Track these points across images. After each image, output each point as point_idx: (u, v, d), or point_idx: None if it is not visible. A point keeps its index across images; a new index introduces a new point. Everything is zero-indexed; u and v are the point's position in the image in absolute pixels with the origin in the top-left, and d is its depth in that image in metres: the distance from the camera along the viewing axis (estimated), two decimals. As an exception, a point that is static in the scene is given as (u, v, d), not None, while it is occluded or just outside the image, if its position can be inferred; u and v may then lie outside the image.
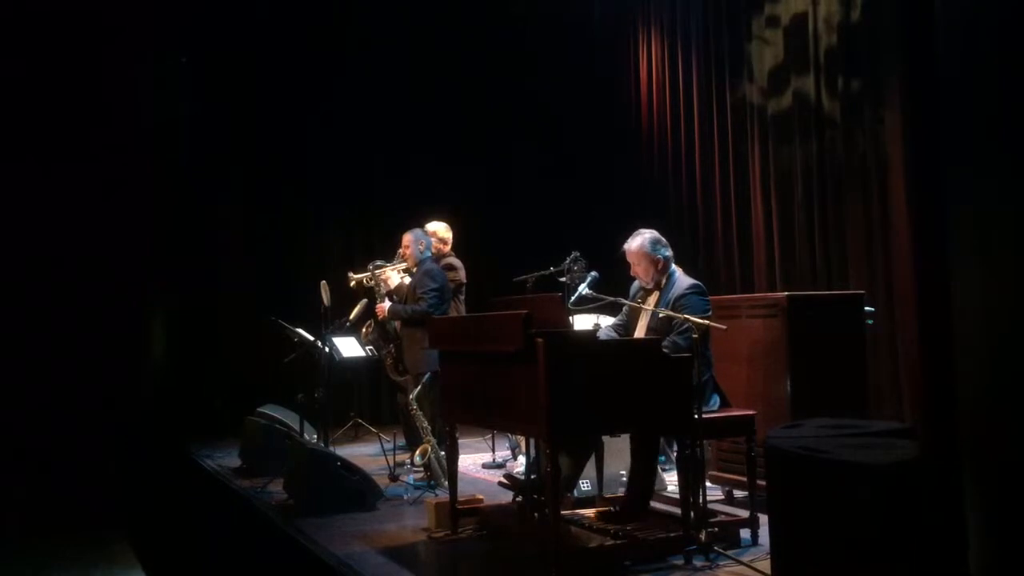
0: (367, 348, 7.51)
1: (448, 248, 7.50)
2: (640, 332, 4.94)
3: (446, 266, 7.27)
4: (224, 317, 9.54)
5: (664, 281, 4.87)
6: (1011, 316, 2.67)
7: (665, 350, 4.42)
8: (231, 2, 9.43)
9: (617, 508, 4.69)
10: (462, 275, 7.40)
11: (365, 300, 7.49)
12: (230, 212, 9.85)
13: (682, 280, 4.86)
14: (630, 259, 4.94)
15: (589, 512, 4.77)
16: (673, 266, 4.92)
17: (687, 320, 4.45)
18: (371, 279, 7.17)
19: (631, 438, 4.78)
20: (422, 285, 6.72)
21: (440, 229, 7.49)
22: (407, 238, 6.99)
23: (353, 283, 7.37)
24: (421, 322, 6.46)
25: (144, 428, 9.07)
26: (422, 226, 7.22)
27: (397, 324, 7.14)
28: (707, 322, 4.48)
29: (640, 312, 4.96)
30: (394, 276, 7.19)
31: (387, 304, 6.98)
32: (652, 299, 4.89)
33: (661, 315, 4.72)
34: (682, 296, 4.75)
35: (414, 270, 6.95)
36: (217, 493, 6.79)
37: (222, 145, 9.66)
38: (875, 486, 3.09)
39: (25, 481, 8.48)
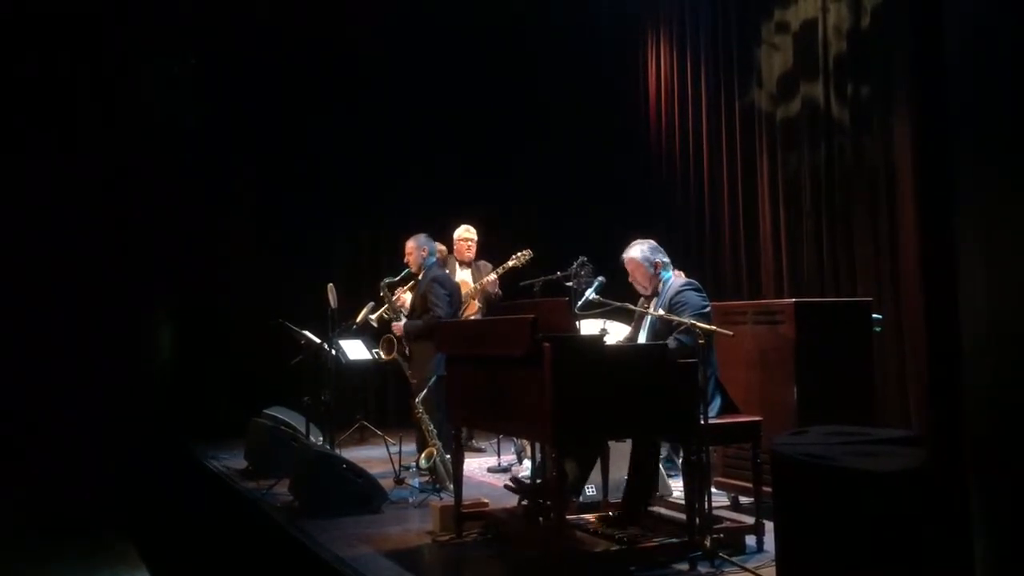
0: (374, 351, 7.52)
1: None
2: (643, 337, 4.99)
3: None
4: (231, 319, 9.55)
5: (660, 286, 4.95)
6: (1018, 324, 2.66)
7: (672, 346, 4.47)
8: (240, 4, 9.45)
9: (616, 514, 4.68)
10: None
11: (371, 303, 7.50)
12: (237, 213, 9.86)
13: (675, 280, 4.95)
14: (627, 268, 5.05)
15: (590, 517, 4.77)
16: (668, 272, 4.99)
17: (694, 326, 4.45)
18: (390, 311, 7.19)
19: (632, 441, 4.79)
20: (433, 292, 6.70)
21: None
22: (410, 245, 6.98)
23: (375, 317, 7.42)
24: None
25: (150, 429, 9.07)
26: (424, 230, 7.20)
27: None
28: (714, 327, 4.50)
29: (642, 319, 5.04)
30: (408, 296, 7.21)
31: (402, 322, 6.95)
32: (651, 306, 4.97)
33: (659, 316, 4.77)
34: (677, 294, 4.81)
35: (420, 277, 6.95)
36: (222, 494, 6.80)
37: (229, 145, 9.68)
38: (881, 494, 3.08)
39: (28, 481, 8.49)
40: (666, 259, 5.00)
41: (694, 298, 4.77)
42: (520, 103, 10.17)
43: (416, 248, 6.92)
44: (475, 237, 7.74)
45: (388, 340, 7.14)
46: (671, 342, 4.56)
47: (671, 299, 4.80)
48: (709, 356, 4.54)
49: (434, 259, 7.00)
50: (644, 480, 4.77)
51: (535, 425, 4.18)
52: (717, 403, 4.69)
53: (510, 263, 7.43)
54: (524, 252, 7.45)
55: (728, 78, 8.45)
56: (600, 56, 10.15)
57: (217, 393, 9.26)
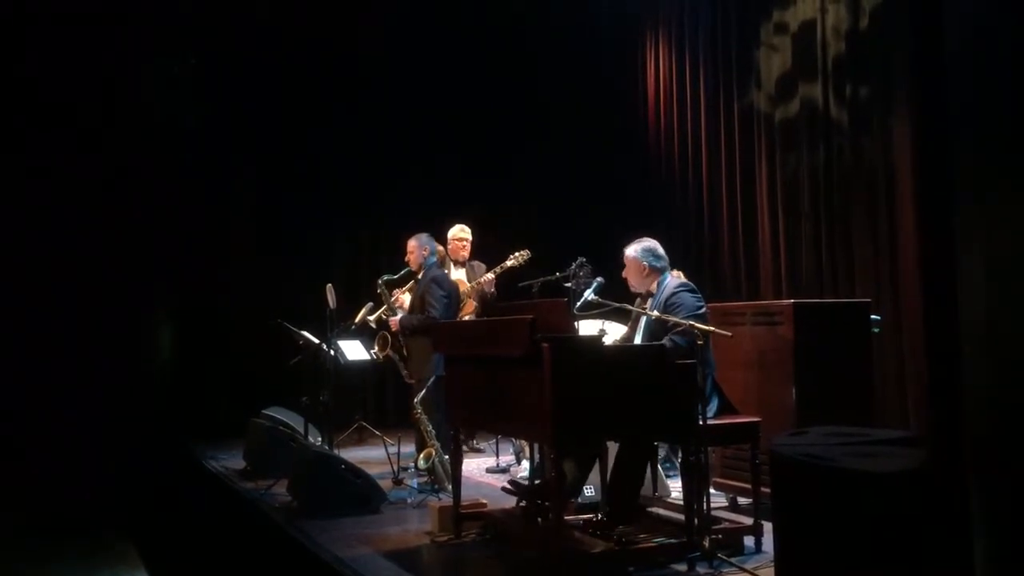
0: (372, 352, 7.52)
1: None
2: (639, 338, 4.99)
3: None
4: (230, 319, 9.55)
5: (655, 288, 4.96)
6: (1018, 324, 2.66)
7: (668, 346, 4.47)
8: (240, 4, 9.45)
9: (602, 517, 4.64)
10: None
11: (370, 304, 7.51)
12: (236, 213, 9.87)
13: (671, 281, 4.96)
14: (625, 262, 5.06)
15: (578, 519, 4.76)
16: (666, 273, 4.98)
17: (692, 327, 4.45)
18: (389, 311, 7.21)
19: (622, 442, 4.75)
20: (431, 292, 6.72)
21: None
22: (411, 244, 6.99)
23: (373, 318, 7.44)
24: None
25: (149, 429, 9.07)
26: (424, 230, 7.21)
27: None
28: (711, 328, 4.50)
29: (639, 319, 5.05)
30: (407, 298, 7.20)
31: (399, 316, 6.98)
32: (648, 306, 4.97)
33: (654, 317, 4.77)
34: (672, 295, 4.82)
35: (419, 276, 6.96)
36: (221, 495, 6.80)
37: (229, 146, 9.68)
38: (880, 494, 3.08)
39: (28, 481, 8.48)
40: (660, 264, 4.99)
41: (688, 299, 4.78)
42: (520, 103, 10.17)
43: (418, 247, 6.94)
44: (470, 237, 7.74)
45: (383, 336, 7.18)
46: (666, 342, 4.55)
47: (666, 300, 4.82)
48: (707, 357, 4.53)
49: (434, 259, 7.01)
50: (628, 480, 4.72)
51: (534, 426, 4.18)
52: (715, 404, 4.69)
53: (508, 263, 7.44)
54: (522, 252, 7.46)
55: (727, 79, 8.45)
56: (600, 57, 10.16)
57: (217, 393, 9.26)
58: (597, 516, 4.66)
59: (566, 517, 4.52)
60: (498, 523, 4.92)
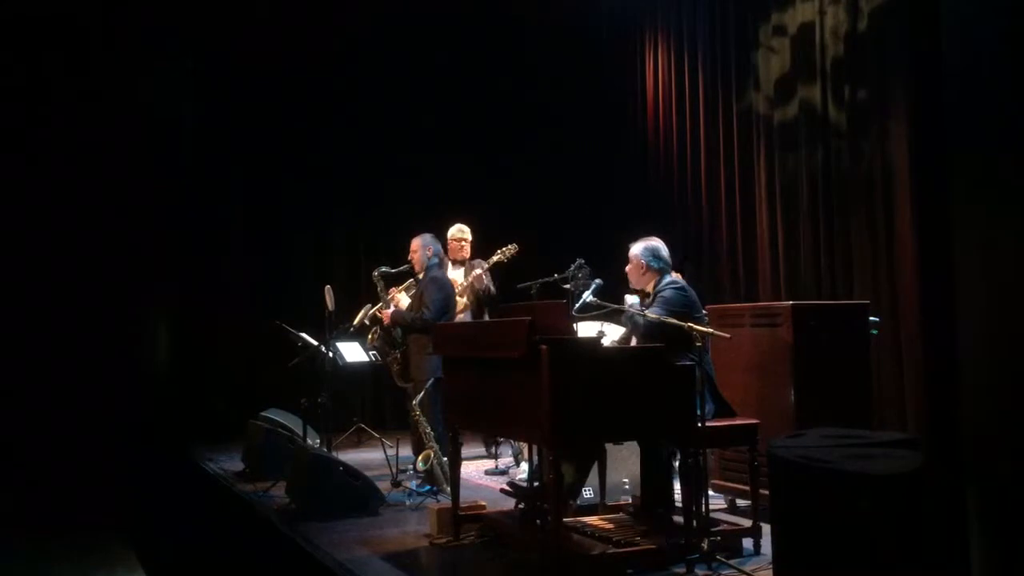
0: (371, 353, 7.51)
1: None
2: (635, 339, 5.00)
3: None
4: (228, 320, 9.55)
5: (651, 288, 5.00)
6: (1016, 326, 2.66)
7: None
8: (240, 4, 9.45)
9: (632, 510, 4.64)
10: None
11: (369, 305, 7.51)
12: (234, 214, 9.87)
13: (665, 281, 4.98)
14: (629, 258, 5.12)
15: (595, 520, 4.76)
16: (666, 275, 5.02)
17: (692, 328, 4.45)
18: (383, 305, 7.21)
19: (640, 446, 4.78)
20: (428, 294, 6.71)
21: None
22: (415, 243, 6.98)
23: (369, 317, 7.43)
24: (424, 330, 6.47)
25: (147, 430, 9.07)
26: (427, 230, 7.20)
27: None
28: (710, 330, 4.50)
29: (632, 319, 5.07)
30: (403, 298, 7.19)
31: (391, 310, 6.99)
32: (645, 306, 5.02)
33: (639, 313, 4.83)
34: (659, 291, 4.88)
35: (420, 276, 6.95)
36: (219, 496, 6.80)
37: (225, 146, 9.68)
38: (878, 496, 3.08)
39: (26, 482, 8.48)
40: (660, 265, 5.01)
41: (669, 294, 4.84)
42: (519, 104, 10.18)
43: (421, 247, 6.93)
44: (469, 237, 7.70)
45: (373, 331, 7.21)
46: (625, 318, 4.63)
47: (653, 294, 4.89)
48: (704, 358, 4.53)
49: (436, 260, 6.99)
50: (653, 482, 4.72)
51: (533, 427, 4.18)
52: (710, 408, 4.69)
53: (495, 258, 7.42)
54: (509, 247, 7.45)
55: (726, 81, 8.44)
56: (599, 58, 10.16)
57: (214, 395, 9.26)
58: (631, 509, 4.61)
59: (564, 519, 4.52)
60: (497, 525, 4.92)
